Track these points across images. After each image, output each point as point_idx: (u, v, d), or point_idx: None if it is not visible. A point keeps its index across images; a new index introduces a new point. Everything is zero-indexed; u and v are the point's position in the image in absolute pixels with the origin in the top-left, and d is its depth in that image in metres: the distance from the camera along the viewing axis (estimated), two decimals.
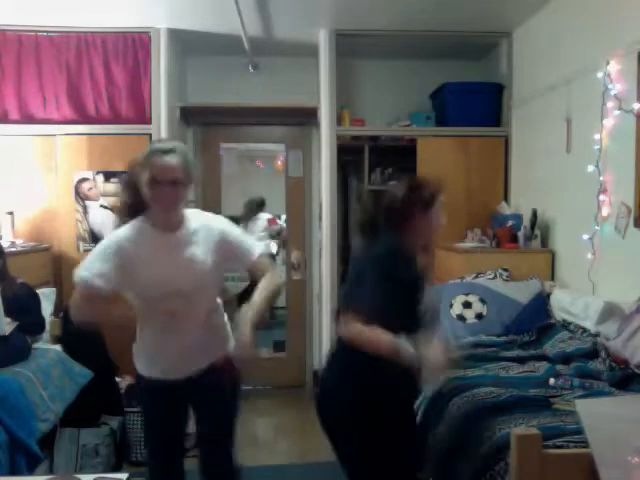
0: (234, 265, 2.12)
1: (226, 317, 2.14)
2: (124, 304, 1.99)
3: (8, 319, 2.96)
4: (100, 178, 4.02)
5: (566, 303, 3.08)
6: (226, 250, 1.99)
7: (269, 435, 4.03)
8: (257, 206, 5.20)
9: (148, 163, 1.85)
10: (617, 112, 2.84)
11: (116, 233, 1.95)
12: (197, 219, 2.00)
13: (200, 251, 1.94)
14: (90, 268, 1.85)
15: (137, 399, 2.19)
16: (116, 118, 4.04)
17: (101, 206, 4.03)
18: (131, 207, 1.95)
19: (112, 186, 4.01)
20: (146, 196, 1.86)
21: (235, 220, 4.73)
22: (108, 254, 1.88)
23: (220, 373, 1.96)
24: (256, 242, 2.11)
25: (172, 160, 1.85)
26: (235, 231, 2.05)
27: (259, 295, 1.96)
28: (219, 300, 2.12)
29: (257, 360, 1.93)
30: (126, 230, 1.94)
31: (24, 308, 3.07)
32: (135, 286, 1.92)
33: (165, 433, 2.11)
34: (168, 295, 1.90)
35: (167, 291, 1.90)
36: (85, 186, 4.02)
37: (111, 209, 4.00)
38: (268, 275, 2.01)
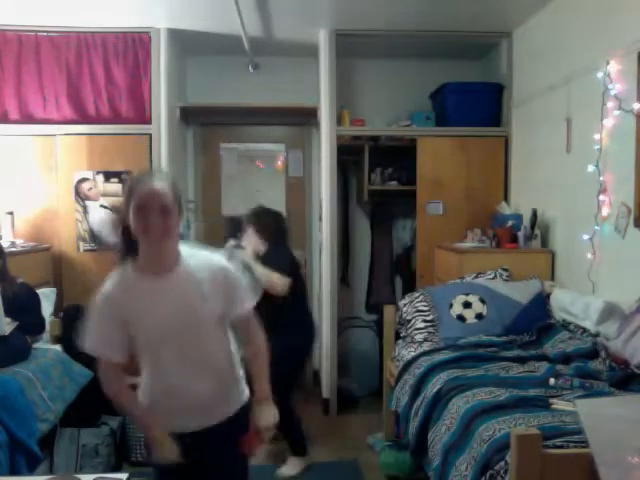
0: (231, 311, 1.86)
1: (241, 370, 1.94)
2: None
3: (8, 319, 2.96)
4: (100, 178, 4.02)
5: (566, 303, 3.08)
6: (226, 294, 1.79)
7: (268, 435, 4.03)
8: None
9: (133, 193, 1.68)
10: (617, 112, 2.84)
11: (104, 290, 1.76)
12: (195, 256, 1.79)
13: (201, 293, 1.75)
14: (95, 340, 1.75)
15: (147, 453, 2.00)
16: (116, 118, 4.04)
17: (101, 206, 4.03)
18: (126, 247, 1.75)
19: (112, 186, 4.01)
20: (134, 232, 1.68)
21: (236, 222, 4.63)
22: (104, 318, 1.74)
23: (229, 431, 1.84)
24: (250, 293, 1.88)
25: (159, 185, 1.68)
26: (235, 274, 1.85)
27: (257, 371, 1.87)
28: (233, 348, 1.91)
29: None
30: (113, 283, 1.75)
31: (24, 308, 3.07)
32: (136, 337, 1.76)
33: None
34: (172, 342, 1.75)
35: (170, 339, 1.75)
36: (85, 186, 4.02)
37: (111, 209, 4.01)
38: (254, 341, 1.88)
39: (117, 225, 1.75)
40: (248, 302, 1.86)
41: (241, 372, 1.93)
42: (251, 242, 3.25)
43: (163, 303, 1.73)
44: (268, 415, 1.84)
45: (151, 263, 1.74)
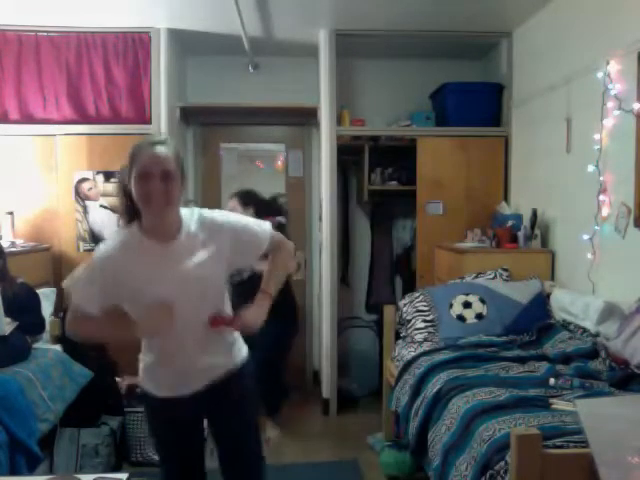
0: (248, 258, 1.91)
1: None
2: (123, 316, 1.81)
3: (8, 319, 2.96)
4: (100, 178, 4.02)
5: (566, 303, 3.08)
6: (238, 245, 1.79)
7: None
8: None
9: (136, 157, 1.65)
10: (617, 112, 2.84)
11: (106, 246, 1.75)
12: (196, 219, 1.77)
13: (207, 256, 1.73)
14: (80, 291, 1.73)
15: (147, 422, 2.01)
16: (116, 118, 4.04)
17: (101, 206, 4.03)
18: (130, 211, 1.73)
19: (112, 186, 4.01)
20: (136, 199, 1.65)
21: None
22: (96, 276, 1.71)
23: (234, 381, 1.86)
24: (263, 225, 1.89)
25: (162, 150, 1.65)
26: (242, 222, 1.85)
27: (273, 270, 1.88)
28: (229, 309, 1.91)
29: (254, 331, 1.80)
30: (117, 241, 1.74)
31: (24, 308, 3.07)
32: (134, 303, 1.74)
33: (182, 453, 1.93)
34: (176, 309, 1.72)
35: (171, 302, 1.72)
36: (85, 186, 4.02)
37: (111, 209, 4.01)
38: (283, 248, 1.91)
39: (120, 192, 1.73)
40: (267, 233, 1.87)
41: (236, 335, 1.93)
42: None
43: (168, 271, 1.71)
44: (255, 313, 1.79)
45: (154, 230, 1.71)
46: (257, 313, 1.80)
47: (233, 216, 1.88)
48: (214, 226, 1.78)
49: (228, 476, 1.96)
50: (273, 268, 1.91)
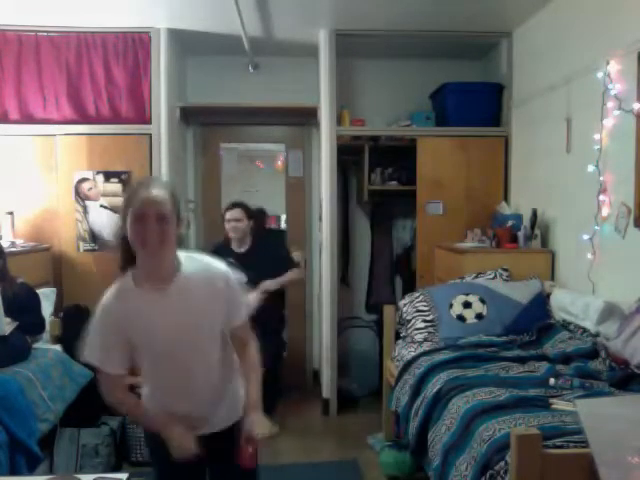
0: (229, 321, 1.84)
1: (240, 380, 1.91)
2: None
3: (8, 319, 2.96)
4: (100, 178, 4.02)
5: (566, 303, 3.08)
6: (226, 302, 1.77)
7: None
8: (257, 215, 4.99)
9: (132, 199, 1.65)
10: (617, 112, 2.84)
11: (106, 300, 1.73)
12: (194, 264, 1.76)
13: (202, 300, 1.73)
14: (99, 357, 1.72)
15: (148, 450, 2.01)
16: (116, 118, 4.04)
17: (101, 206, 4.03)
18: (127, 256, 1.72)
19: (112, 186, 4.02)
20: (131, 242, 1.65)
21: None
22: (104, 333, 1.71)
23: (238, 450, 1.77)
24: (246, 302, 1.88)
25: (157, 193, 1.65)
26: (235, 281, 1.82)
27: (252, 383, 1.83)
28: (234, 357, 1.89)
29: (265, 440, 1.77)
30: (114, 294, 1.73)
31: (24, 308, 3.07)
32: (140, 351, 1.75)
33: None
34: (173, 355, 1.73)
35: (171, 351, 1.73)
36: (85, 186, 4.02)
37: (111, 209, 4.01)
38: (249, 352, 1.85)
39: (118, 235, 1.72)
40: (245, 311, 1.83)
41: (239, 381, 1.90)
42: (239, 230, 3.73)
43: (163, 317, 1.70)
44: (262, 423, 1.77)
45: (149, 274, 1.71)
46: (262, 424, 1.77)
47: (231, 278, 1.82)
48: (212, 274, 1.77)
49: None
50: (250, 380, 1.85)
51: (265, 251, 3.76)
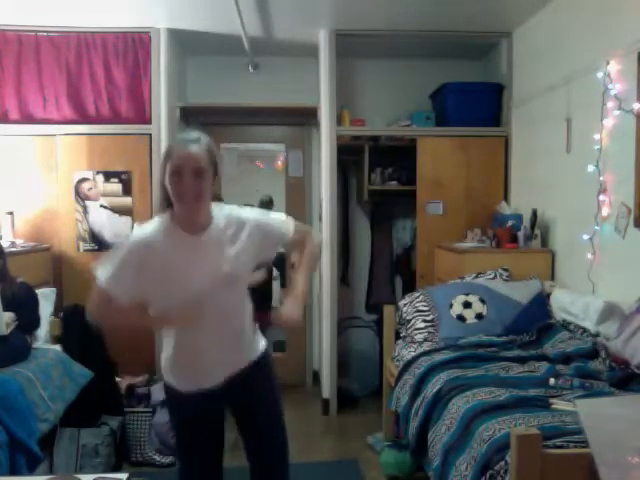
0: (271, 252, 2.01)
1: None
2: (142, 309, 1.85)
3: (10, 313, 2.96)
4: (100, 178, 4.02)
5: (566, 303, 3.08)
6: (262, 240, 1.88)
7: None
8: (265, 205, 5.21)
9: (170, 154, 1.74)
10: (617, 112, 2.84)
11: (139, 232, 1.82)
12: (224, 214, 1.85)
13: (235, 251, 1.81)
14: (109, 274, 1.73)
15: (169, 415, 2.04)
16: (116, 118, 4.04)
17: (101, 206, 4.03)
18: (165, 202, 1.80)
19: (112, 186, 4.02)
20: (169, 192, 1.74)
21: None
22: (129, 259, 1.74)
23: (256, 371, 1.94)
24: (285, 218, 2.00)
25: (195, 148, 1.73)
26: (266, 217, 1.94)
27: (301, 272, 1.95)
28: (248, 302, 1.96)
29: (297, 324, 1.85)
30: (149, 229, 1.79)
31: (21, 304, 3.06)
32: (161, 293, 1.78)
33: (202, 448, 1.95)
34: (200, 301, 1.77)
35: (198, 297, 1.77)
36: (85, 186, 4.02)
37: (111, 209, 4.02)
38: (307, 244, 2.00)
39: (159, 184, 1.79)
40: (289, 226, 1.96)
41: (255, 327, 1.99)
42: None
43: (198, 262, 1.77)
44: (295, 309, 1.84)
45: (185, 222, 1.79)
46: (295, 308, 1.85)
47: (257, 211, 1.95)
48: (240, 222, 1.86)
49: (255, 464, 2.01)
50: (301, 263, 1.98)
51: None
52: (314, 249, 2.03)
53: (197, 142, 1.75)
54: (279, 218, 1.99)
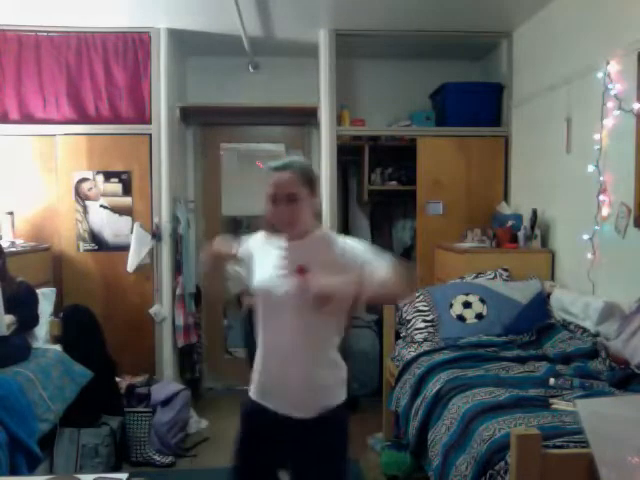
0: None
1: (344, 369, 1.86)
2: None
3: (10, 316, 2.96)
4: (100, 178, 4.02)
5: (566, 303, 3.08)
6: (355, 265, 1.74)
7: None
8: None
9: (267, 179, 1.78)
10: (617, 112, 2.84)
11: (254, 235, 1.95)
12: (340, 241, 1.82)
13: (319, 264, 1.70)
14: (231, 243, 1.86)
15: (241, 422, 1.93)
16: (116, 118, 4.04)
17: (101, 206, 4.03)
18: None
19: (112, 186, 4.02)
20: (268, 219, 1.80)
21: (236, 222, 4.74)
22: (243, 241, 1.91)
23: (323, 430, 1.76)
24: (387, 261, 1.75)
25: (285, 175, 1.75)
26: (371, 256, 1.77)
27: (381, 280, 1.67)
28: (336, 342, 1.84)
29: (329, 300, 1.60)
30: (260, 234, 1.93)
31: (20, 302, 3.06)
32: (256, 289, 1.84)
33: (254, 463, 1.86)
34: (277, 302, 1.76)
35: (274, 298, 1.76)
36: (85, 186, 4.02)
37: (111, 209, 4.02)
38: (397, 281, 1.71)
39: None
40: (380, 262, 1.73)
41: (342, 373, 1.85)
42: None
43: (278, 259, 1.80)
44: (329, 282, 1.59)
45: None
46: (329, 282, 1.60)
47: (366, 248, 1.81)
48: (354, 255, 1.77)
49: None
50: (383, 280, 1.70)
51: None
52: (397, 287, 1.70)
53: (290, 166, 1.77)
54: (384, 263, 1.75)
